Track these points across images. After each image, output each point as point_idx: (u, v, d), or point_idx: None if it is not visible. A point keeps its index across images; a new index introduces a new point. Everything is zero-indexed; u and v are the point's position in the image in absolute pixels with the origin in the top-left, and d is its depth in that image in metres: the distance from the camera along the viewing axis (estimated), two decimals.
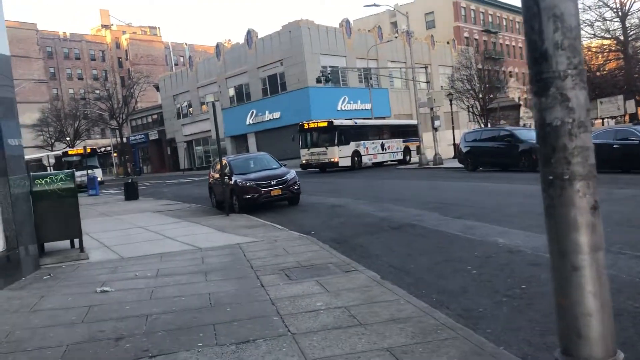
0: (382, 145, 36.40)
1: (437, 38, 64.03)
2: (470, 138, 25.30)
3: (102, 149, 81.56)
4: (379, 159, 36.03)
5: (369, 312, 5.37)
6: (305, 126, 34.40)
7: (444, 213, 11.88)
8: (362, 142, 34.41)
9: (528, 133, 23.47)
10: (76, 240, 10.00)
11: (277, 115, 47.63)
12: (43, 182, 9.52)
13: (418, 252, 8.46)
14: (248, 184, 15.53)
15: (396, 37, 52.79)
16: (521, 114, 48.70)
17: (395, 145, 37.86)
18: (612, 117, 33.88)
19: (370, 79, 50.41)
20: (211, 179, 18.54)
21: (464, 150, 24.95)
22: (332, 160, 32.31)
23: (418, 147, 36.71)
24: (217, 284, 6.94)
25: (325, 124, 33.26)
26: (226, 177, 16.05)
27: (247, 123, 51.31)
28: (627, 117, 36.69)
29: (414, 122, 39.81)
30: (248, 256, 8.67)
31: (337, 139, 32.56)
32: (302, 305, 5.75)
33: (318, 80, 38.06)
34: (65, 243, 10.32)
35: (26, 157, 40.82)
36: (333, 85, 46.59)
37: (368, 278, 6.75)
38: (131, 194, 24.28)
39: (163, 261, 8.86)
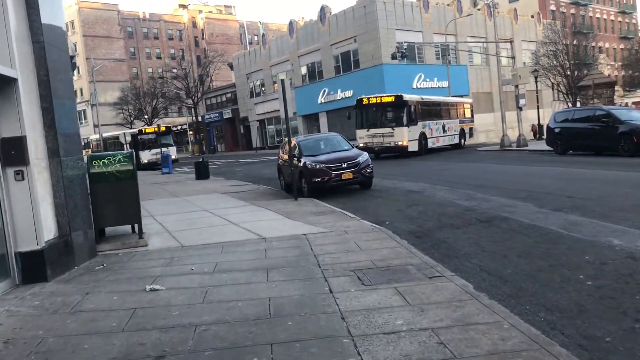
0: (444, 127, 31.17)
1: (520, 12, 60.15)
2: (560, 118, 23.11)
3: (179, 127, 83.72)
4: (441, 142, 30.71)
5: (464, 339, 4.25)
6: (365, 101, 28.03)
7: (540, 204, 10.41)
8: (427, 122, 28.89)
9: (628, 113, 21.10)
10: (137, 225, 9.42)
11: (349, 93, 46.33)
12: (101, 163, 8.94)
13: (515, 254, 7.18)
14: (318, 166, 14.57)
15: (478, 10, 49.89)
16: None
17: (454, 127, 32.80)
18: None
19: (448, 55, 48.01)
20: (280, 160, 17.75)
21: (554, 131, 22.82)
22: (401, 143, 26.54)
23: (471, 130, 34.17)
24: (279, 286, 6.02)
25: (392, 98, 27.31)
26: (295, 159, 15.18)
27: (319, 102, 50.39)
28: None
29: (468, 100, 36.84)
30: (315, 250, 7.70)
31: (407, 117, 26.71)
32: (379, 323, 4.70)
33: (393, 57, 36.33)
34: (127, 227, 9.79)
35: (104, 134, 42.12)
36: (408, 62, 44.63)
37: (458, 288, 5.60)
38: (202, 173, 24.00)
39: (224, 252, 8.06)
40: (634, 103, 58.58)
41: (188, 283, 6.40)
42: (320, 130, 49.07)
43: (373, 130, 27.10)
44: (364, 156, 15.15)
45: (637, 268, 6.07)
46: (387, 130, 26.79)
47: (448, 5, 51.85)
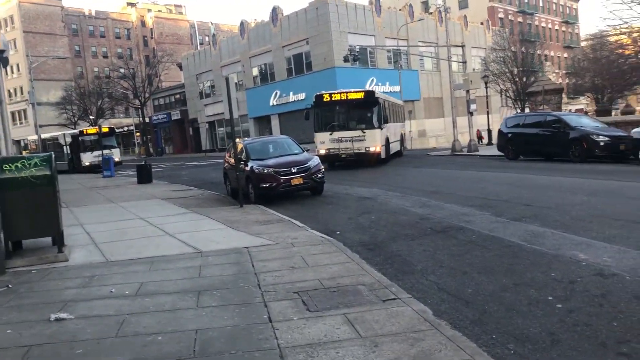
0: (394, 131, 27.22)
1: (470, 19, 61.04)
2: (511, 123, 23.03)
3: (125, 129, 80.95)
4: (393, 148, 26.28)
5: None
6: (327, 98, 22.98)
7: (497, 213, 9.89)
8: (388, 125, 24.60)
9: (578, 119, 21.16)
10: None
11: (301, 96, 45.59)
12: (13, 167, 7.83)
13: (475, 269, 6.54)
14: (266, 171, 13.70)
15: (431, 13, 50.15)
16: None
17: (399, 131, 29.29)
18: None
19: (400, 59, 47.99)
20: (226, 164, 16.80)
21: (506, 136, 22.72)
22: (373, 149, 22.00)
23: (402, 135, 30.36)
24: (211, 314, 5.15)
25: (361, 94, 22.86)
26: (242, 163, 14.28)
27: (271, 104, 49.44)
28: None
29: (399, 101, 32.60)
30: (257, 267, 6.86)
31: (378, 117, 22.57)
32: None
33: (346, 60, 35.75)
34: (49, 239, 8.68)
35: (43, 135, 39.90)
36: (361, 66, 44.30)
37: (416, 314, 4.88)
38: (144, 177, 22.72)
39: (152, 270, 7.12)
40: (576, 109, 60.27)
41: (103, 310, 5.45)
42: (272, 133, 48.14)
43: (339, 134, 22.29)
44: (315, 160, 14.39)
45: (608, 288, 5.52)
46: (357, 133, 22.05)
47: (400, 10, 51.95)
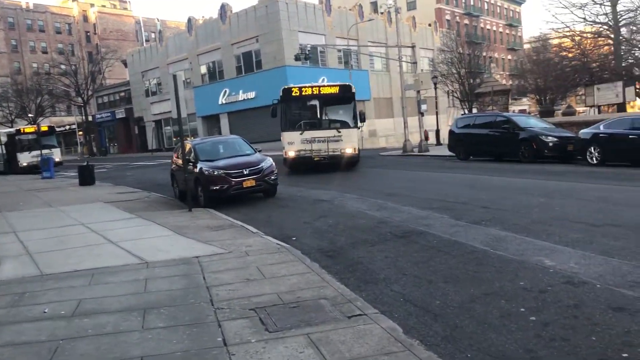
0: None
1: (418, 20, 61.71)
2: (462, 124, 23.14)
3: (67, 127, 77.72)
4: None
5: None
6: (295, 92, 20.25)
7: (456, 216, 9.68)
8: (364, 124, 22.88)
9: (527, 120, 21.46)
10: None
11: (251, 95, 44.82)
12: None
13: (441, 278, 6.24)
14: (216, 172, 13.09)
15: (382, 13, 50.36)
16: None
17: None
18: (609, 105, 31.92)
19: (350, 59, 47.90)
20: (174, 165, 16.05)
21: (457, 137, 22.81)
22: (350, 151, 19.62)
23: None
24: (158, 337, 4.62)
25: (336, 89, 20.33)
26: (190, 164, 13.62)
27: (220, 103, 48.36)
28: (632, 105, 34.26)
29: None
30: (209, 280, 6.34)
31: (354, 115, 20.20)
32: None
33: (297, 58, 35.24)
34: None
35: None
36: (312, 65, 43.95)
37: (385, 333, 4.50)
38: (86, 178, 21.55)
39: (92, 284, 6.48)
40: (520, 110, 61.94)
41: (34, 335, 4.82)
42: (221, 132, 47.11)
43: (310, 134, 19.53)
44: (268, 161, 13.87)
45: (580, 297, 5.30)
46: (332, 133, 19.48)
47: (350, 9, 51.89)
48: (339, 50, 47.90)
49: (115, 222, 11.26)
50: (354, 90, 20.27)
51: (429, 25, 63.05)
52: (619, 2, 39.17)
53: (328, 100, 20.42)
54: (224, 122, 48.58)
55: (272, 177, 13.67)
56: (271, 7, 43.74)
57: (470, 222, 9.10)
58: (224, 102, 48.13)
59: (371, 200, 12.36)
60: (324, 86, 20.98)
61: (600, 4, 37.44)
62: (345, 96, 20.12)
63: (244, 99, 45.66)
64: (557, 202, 10.52)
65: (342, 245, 8.25)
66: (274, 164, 14.05)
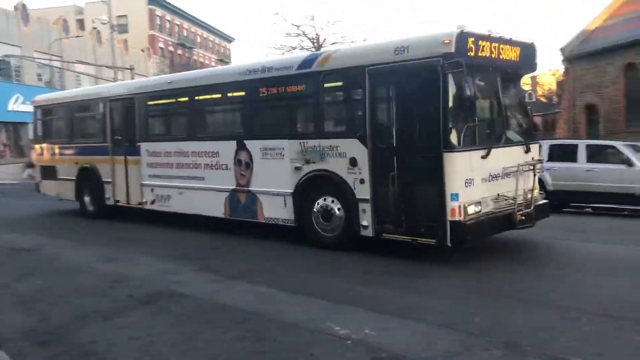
0: None
1: (132, 44, 58.71)
2: None
3: None
4: None
5: None
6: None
7: (213, 269, 8.15)
8: None
9: None
10: None
11: None
12: None
13: None
14: None
15: (94, 29, 46.13)
16: None
17: None
18: None
19: (53, 76, 42.31)
20: None
21: None
22: None
23: None
24: None
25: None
26: None
27: None
28: None
29: None
30: None
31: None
32: None
33: None
34: None
35: None
36: (3, 80, 37.30)
37: None
38: None
39: None
40: None
41: None
42: None
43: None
44: None
45: None
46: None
47: (53, 23, 46.15)
48: (39, 66, 41.93)
49: None
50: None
51: (142, 50, 60.55)
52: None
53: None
54: None
55: None
56: None
57: (228, 277, 7.66)
58: None
59: (94, 248, 9.93)
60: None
61: (308, 49, 40.76)
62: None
63: None
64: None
65: (63, 321, 5.92)
66: None
